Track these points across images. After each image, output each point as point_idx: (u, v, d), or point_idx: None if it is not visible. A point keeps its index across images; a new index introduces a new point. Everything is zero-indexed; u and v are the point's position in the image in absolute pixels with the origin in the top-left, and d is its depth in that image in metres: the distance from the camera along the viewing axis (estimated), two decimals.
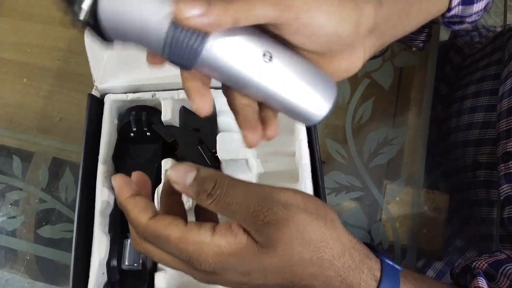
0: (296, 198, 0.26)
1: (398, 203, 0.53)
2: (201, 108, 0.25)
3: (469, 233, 0.61)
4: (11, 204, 0.56)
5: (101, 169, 0.46)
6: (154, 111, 0.50)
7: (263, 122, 0.27)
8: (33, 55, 0.64)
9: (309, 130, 0.47)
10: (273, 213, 0.24)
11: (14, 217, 0.55)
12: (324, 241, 0.26)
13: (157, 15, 0.21)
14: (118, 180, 0.27)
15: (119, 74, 0.50)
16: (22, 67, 0.64)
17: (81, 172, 0.45)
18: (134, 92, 0.50)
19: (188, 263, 0.25)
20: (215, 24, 0.21)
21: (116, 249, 0.45)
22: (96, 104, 0.49)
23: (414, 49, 0.63)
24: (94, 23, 0.21)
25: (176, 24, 0.21)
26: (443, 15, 0.38)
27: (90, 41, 0.48)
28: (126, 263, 0.43)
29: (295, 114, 0.26)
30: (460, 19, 0.41)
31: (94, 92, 0.49)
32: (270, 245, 0.24)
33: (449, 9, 0.38)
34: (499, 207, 0.51)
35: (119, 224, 0.46)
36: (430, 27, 0.58)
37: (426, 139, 0.56)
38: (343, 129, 0.57)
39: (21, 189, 0.56)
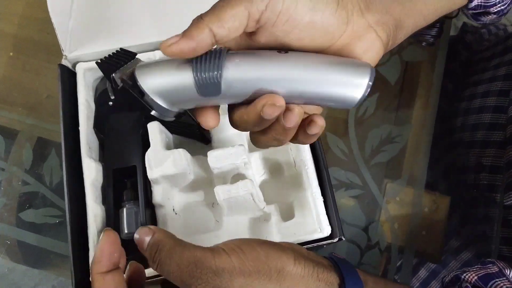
0: (230, 261, 0.25)
1: (397, 203, 0.52)
2: (211, 125, 0.27)
3: (467, 234, 0.59)
4: None
5: (84, 141, 0.44)
6: None
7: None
8: (21, 27, 0.60)
9: None
10: (203, 283, 0.24)
11: None
12: None
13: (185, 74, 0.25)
14: (104, 242, 0.27)
15: (89, 41, 0.46)
16: (9, 39, 0.60)
17: (63, 147, 0.42)
18: None
19: None
20: (190, 36, 0.23)
21: (112, 219, 0.43)
22: (69, 75, 0.46)
23: (424, 43, 0.60)
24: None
25: (196, 71, 0.24)
26: (466, 6, 0.36)
27: (53, 8, 0.44)
28: (126, 231, 0.41)
29: (328, 101, 0.25)
30: (484, 9, 0.38)
31: (64, 62, 0.46)
32: None
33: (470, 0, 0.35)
34: (501, 208, 0.49)
35: (112, 194, 0.44)
36: (442, 22, 0.56)
37: (430, 138, 0.54)
38: (345, 123, 0.55)
39: (3, 169, 0.53)
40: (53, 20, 0.44)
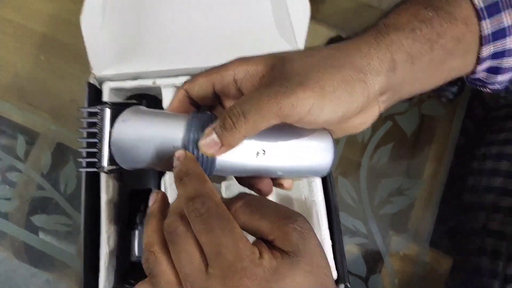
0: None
1: (401, 257, 0.52)
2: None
3: None
4: (8, 185, 0.54)
5: None
6: (154, 99, 0.48)
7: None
8: (57, 29, 0.61)
9: None
10: (299, 222, 0.25)
11: (9, 199, 0.54)
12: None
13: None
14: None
15: (118, 61, 0.48)
16: (42, 39, 0.61)
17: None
18: (133, 79, 0.48)
19: (229, 265, 0.22)
20: (231, 146, 0.26)
21: (125, 240, 0.44)
22: (95, 93, 0.47)
23: (443, 99, 0.61)
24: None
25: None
26: (466, 74, 0.37)
27: (87, 27, 0.45)
28: (136, 255, 0.42)
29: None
30: (483, 83, 0.39)
31: (92, 80, 0.47)
32: (298, 252, 0.24)
33: (473, 72, 0.36)
34: (502, 278, 0.50)
35: (127, 214, 0.45)
36: (464, 81, 0.56)
37: (440, 196, 0.55)
38: (357, 168, 0.56)
39: (20, 171, 0.54)
40: (85, 40, 0.45)
